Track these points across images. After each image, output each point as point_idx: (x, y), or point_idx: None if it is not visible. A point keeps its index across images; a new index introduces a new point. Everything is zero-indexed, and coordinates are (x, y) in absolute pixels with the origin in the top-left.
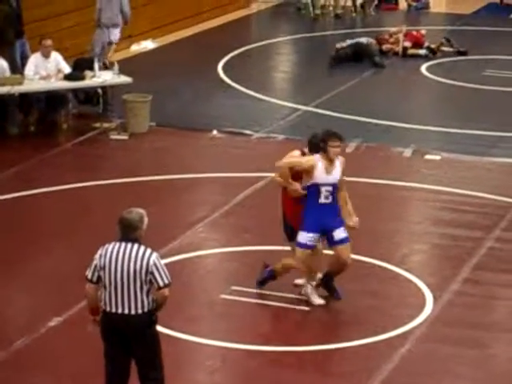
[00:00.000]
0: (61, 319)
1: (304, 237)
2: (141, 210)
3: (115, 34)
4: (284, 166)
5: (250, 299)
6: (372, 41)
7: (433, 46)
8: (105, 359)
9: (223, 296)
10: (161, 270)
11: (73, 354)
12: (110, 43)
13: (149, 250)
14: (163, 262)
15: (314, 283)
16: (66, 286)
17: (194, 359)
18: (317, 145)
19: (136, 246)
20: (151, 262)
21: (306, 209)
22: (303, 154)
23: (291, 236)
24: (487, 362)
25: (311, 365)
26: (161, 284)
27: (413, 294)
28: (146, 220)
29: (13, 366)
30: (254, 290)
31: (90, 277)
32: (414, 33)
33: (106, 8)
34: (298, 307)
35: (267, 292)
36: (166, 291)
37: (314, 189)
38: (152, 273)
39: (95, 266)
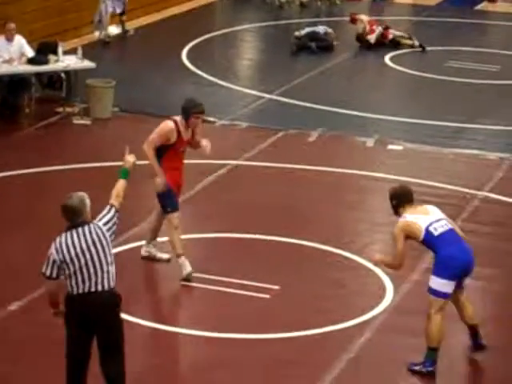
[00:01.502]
0: (21, 304)
1: None
2: (80, 193)
3: (119, 6)
4: None
5: (209, 286)
6: (329, 30)
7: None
8: (67, 342)
9: (184, 283)
10: (106, 217)
11: (32, 339)
12: (120, 14)
13: (95, 224)
14: (124, 247)
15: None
16: (25, 270)
17: (153, 345)
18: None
19: (86, 227)
20: (104, 229)
21: None
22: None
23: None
24: (446, 351)
25: (269, 353)
26: (113, 211)
27: (373, 283)
28: (88, 202)
29: None
30: (214, 277)
31: (48, 274)
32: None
33: None
34: (257, 295)
35: (227, 279)
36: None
37: None
38: (110, 227)
39: (53, 262)
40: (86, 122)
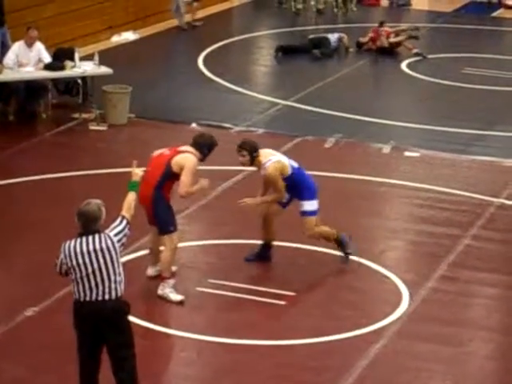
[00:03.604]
0: (36, 309)
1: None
2: (98, 201)
3: None
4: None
5: (226, 292)
6: (343, 36)
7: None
8: (77, 348)
9: (199, 289)
10: (116, 228)
11: (47, 345)
12: (190, 3)
13: (103, 235)
14: (138, 254)
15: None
16: (42, 276)
17: (169, 351)
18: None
19: (97, 236)
20: (114, 239)
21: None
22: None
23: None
24: (462, 359)
25: (284, 359)
26: (124, 223)
27: (389, 290)
28: (104, 210)
29: None
30: (231, 283)
31: (58, 270)
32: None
33: None
34: (274, 301)
35: (243, 286)
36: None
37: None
38: (120, 239)
39: (61, 263)
40: (102, 127)
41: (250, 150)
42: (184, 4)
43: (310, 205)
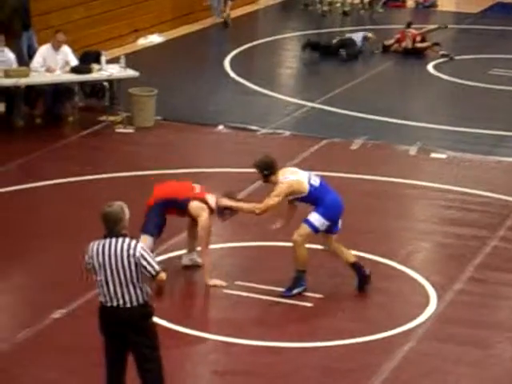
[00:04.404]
0: (64, 311)
1: None
2: (120, 202)
3: None
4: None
5: (253, 294)
6: (370, 35)
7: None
8: (104, 351)
9: (226, 291)
10: (149, 259)
11: (76, 347)
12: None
13: (133, 242)
14: (166, 256)
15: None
16: (70, 278)
17: (197, 353)
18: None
19: (120, 240)
20: (138, 254)
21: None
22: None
23: None
24: (491, 361)
25: (312, 361)
26: (153, 273)
27: (417, 292)
28: (127, 211)
29: (15, 358)
30: (257, 285)
31: (84, 267)
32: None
33: None
34: (301, 303)
35: (270, 288)
36: (162, 275)
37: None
38: (141, 264)
39: (87, 262)
40: (129, 130)
41: (260, 168)
42: (222, 1)
43: (318, 220)
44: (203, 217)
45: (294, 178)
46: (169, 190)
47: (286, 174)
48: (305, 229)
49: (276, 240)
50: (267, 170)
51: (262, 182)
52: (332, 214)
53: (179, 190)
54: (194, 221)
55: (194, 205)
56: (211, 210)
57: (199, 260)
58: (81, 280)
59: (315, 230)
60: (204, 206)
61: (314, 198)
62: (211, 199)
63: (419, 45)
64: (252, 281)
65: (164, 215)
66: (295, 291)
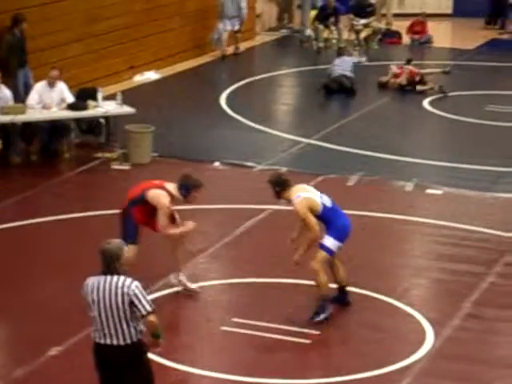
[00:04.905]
0: (61, 349)
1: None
2: (119, 240)
3: (236, 24)
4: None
5: (250, 331)
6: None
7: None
8: None
9: (223, 328)
10: (142, 298)
11: None
12: (235, 32)
13: (128, 280)
14: (164, 292)
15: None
16: (67, 315)
17: None
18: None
19: (115, 278)
20: (131, 292)
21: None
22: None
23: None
24: None
25: None
26: (143, 312)
27: (413, 328)
28: (125, 249)
29: None
30: (255, 322)
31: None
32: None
33: (226, 3)
34: (298, 340)
35: (267, 324)
36: (151, 317)
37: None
38: (133, 302)
39: (83, 297)
40: (125, 167)
41: (272, 184)
42: (225, 34)
43: (333, 244)
44: (161, 203)
45: (307, 195)
46: (132, 190)
47: (299, 192)
48: (322, 254)
49: (274, 276)
50: (279, 187)
51: (276, 199)
52: (344, 236)
53: (139, 187)
54: (175, 241)
55: (151, 193)
56: (172, 196)
57: (188, 284)
58: (77, 317)
59: (331, 253)
60: (163, 192)
61: (326, 218)
62: (170, 186)
63: (419, 87)
64: (250, 317)
65: (133, 216)
66: (322, 316)
